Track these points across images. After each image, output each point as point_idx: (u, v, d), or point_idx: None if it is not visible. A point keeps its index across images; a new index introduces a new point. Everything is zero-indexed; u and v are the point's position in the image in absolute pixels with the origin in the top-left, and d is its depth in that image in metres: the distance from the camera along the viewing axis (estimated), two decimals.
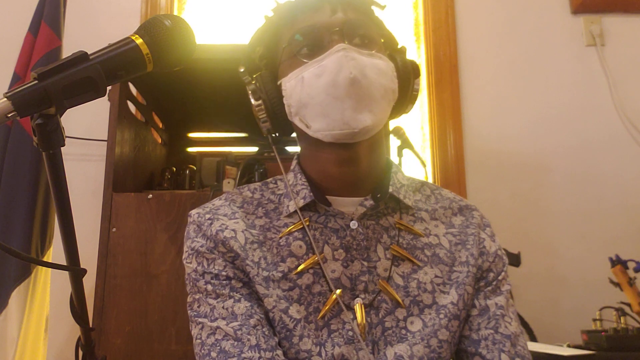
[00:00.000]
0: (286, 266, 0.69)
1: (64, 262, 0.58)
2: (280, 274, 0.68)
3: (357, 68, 0.65)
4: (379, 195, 0.73)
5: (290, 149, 1.39)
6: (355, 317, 0.67)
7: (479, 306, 0.72)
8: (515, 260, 1.48)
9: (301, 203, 0.71)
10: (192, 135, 1.71)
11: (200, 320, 0.67)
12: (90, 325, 0.66)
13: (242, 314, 0.65)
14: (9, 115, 0.44)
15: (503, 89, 1.96)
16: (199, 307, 0.68)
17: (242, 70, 0.77)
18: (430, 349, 0.67)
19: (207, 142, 1.70)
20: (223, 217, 0.71)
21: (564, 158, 1.90)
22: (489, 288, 0.73)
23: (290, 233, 0.71)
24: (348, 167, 0.71)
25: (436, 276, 0.71)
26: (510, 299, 0.74)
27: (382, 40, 0.76)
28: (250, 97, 0.74)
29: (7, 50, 1.68)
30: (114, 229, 1.14)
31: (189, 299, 0.70)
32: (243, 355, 0.63)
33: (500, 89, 1.96)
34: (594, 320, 1.44)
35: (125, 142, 1.26)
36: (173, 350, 1.09)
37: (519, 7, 2.03)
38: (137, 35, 0.52)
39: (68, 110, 0.48)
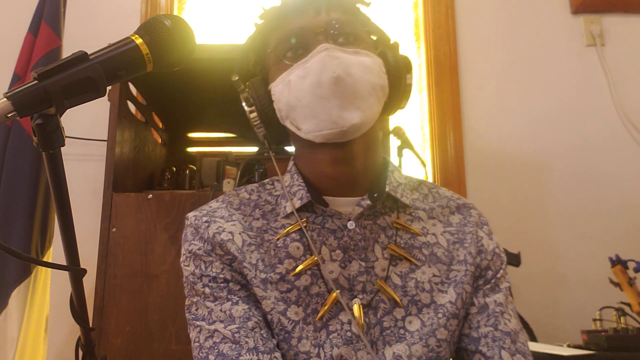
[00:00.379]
0: (284, 268, 0.69)
1: (64, 262, 0.58)
2: (278, 276, 0.68)
3: (341, 67, 0.66)
4: (375, 195, 0.72)
5: (290, 148, 1.39)
6: (353, 318, 0.67)
7: (478, 304, 0.72)
8: (515, 260, 1.48)
9: (298, 204, 0.71)
10: (192, 135, 1.71)
11: (198, 323, 0.67)
12: (90, 325, 0.66)
13: (240, 317, 0.65)
14: (9, 115, 0.44)
15: (503, 89, 1.96)
16: (196, 310, 0.68)
17: (236, 79, 0.78)
18: (429, 348, 0.67)
19: (207, 142, 1.70)
20: (220, 220, 0.71)
21: (564, 158, 1.90)
22: (488, 286, 0.73)
23: (287, 234, 0.71)
24: (343, 167, 0.71)
25: (434, 275, 0.71)
26: (509, 296, 0.74)
27: (371, 38, 0.76)
28: (244, 104, 0.75)
29: (7, 50, 1.68)
30: (114, 229, 1.14)
31: (186, 302, 0.70)
32: (241, 357, 0.62)
33: (500, 89, 1.96)
34: (594, 320, 1.44)
35: (125, 142, 1.26)
36: (173, 350, 1.09)
37: (519, 7, 2.03)
38: (137, 35, 0.52)
39: (68, 110, 0.48)
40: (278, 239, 0.71)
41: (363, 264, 0.69)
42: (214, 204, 0.75)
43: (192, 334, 0.68)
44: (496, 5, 2.03)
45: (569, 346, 1.40)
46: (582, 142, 1.92)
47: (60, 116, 0.48)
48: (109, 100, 1.22)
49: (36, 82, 0.46)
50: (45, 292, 1.42)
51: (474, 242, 0.74)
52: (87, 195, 1.71)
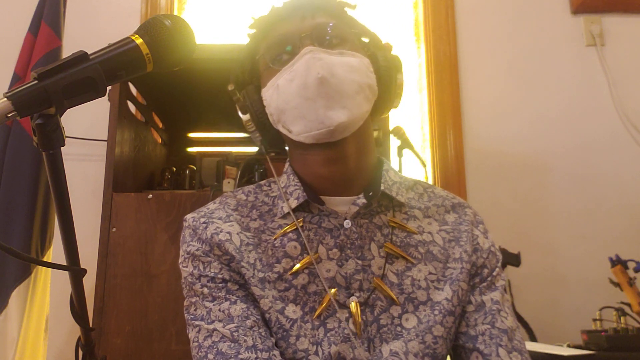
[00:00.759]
0: (281, 267, 0.70)
1: (64, 262, 0.58)
2: (275, 275, 0.69)
3: (325, 67, 0.67)
4: (371, 194, 0.73)
5: None
6: (350, 316, 0.68)
7: (475, 302, 0.72)
8: (515, 260, 1.48)
9: (295, 204, 0.72)
10: (192, 135, 1.71)
11: (197, 323, 0.68)
12: (90, 325, 0.66)
13: (238, 316, 0.66)
14: (9, 115, 0.44)
15: (503, 89, 1.96)
16: (195, 310, 0.69)
17: (231, 88, 0.80)
18: (425, 344, 0.67)
19: (207, 142, 1.70)
20: (218, 221, 0.72)
21: (564, 158, 1.90)
22: (484, 284, 0.74)
23: (284, 234, 0.72)
24: (335, 167, 0.72)
25: (430, 273, 0.72)
26: (506, 294, 0.75)
27: (360, 39, 0.78)
28: (239, 112, 0.77)
29: (7, 50, 1.68)
30: (114, 229, 1.15)
31: (185, 303, 0.71)
32: (240, 356, 0.63)
33: (500, 89, 1.96)
34: (594, 320, 1.44)
35: (125, 142, 1.26)
36: (173, 350, 1.09)
37: (518, 7, 2.03)
38: (137, 35, 0.52)
39: (68, 110, 0.48)
40: (275, 239, 0.72)
41: (359, 262, 0.70)
42: (211, 205, 0.76)
43: (191, 334, 0.68)
44: (496, 6, 2.03)
45: (569, 346, 1.40)
46: (582, 142, 1.92)
47: (60, 116, 0.48)
48: (109, 100, 1.22)
49: (36, 82, 0.46)
50: (45, 292, 1.42)
51: (470, 240, 0.75)
52: (87, 195, 1.71)
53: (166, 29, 0.53)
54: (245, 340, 0.64)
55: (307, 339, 0.67)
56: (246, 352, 0.63)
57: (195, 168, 1.43)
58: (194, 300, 0.69)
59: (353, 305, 0.68)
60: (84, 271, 0.59)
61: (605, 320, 1.42)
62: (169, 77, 1.29)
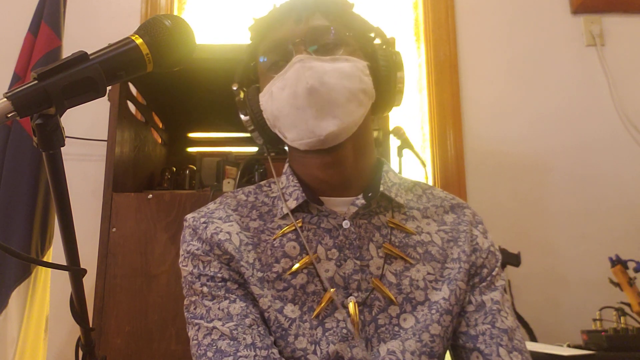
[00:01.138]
0: (280, 267, 0.70)
1: (64, 262, 0.58)
2: (274, 275, 0.70)
3: (314, 77, 0.67)
4: (370, 194, 0.74)
5: None
6: (349, 315, 0.68)
7: (475, 302, 0.73)
8: (515, 260, 1.48)
9: (294, 204, 0.73)
10: (192, 135, 1.71)
11: (196, 321, 0.68)
12: (90, 325, 0.66)
13: (237, 314, 0.67)
14: (9, 115, 0.44)
15: (503, 89, 1.96)
16: (195, 309, 0.69)
17: (235, 88, 0.80)
18: (422, 343, 0.68)
19: (207, 142, 1.71)
20: (218, 221, 0.73)
21: (564, 158, 1.90)
22: (484, 284, 0.74)
23: (284, 234, 0.72)
24: (333, 170, 0.73)
25: (428, 273, 0.72)
26: (505, 294, 0.75)
27: (358, 40, 0.76)
28: (240, 112, 0.77)
29: (7, 50, 1.68)
30: (114, 229, 1.15)
31: (185, 302, 0.72)
32: (239, 354, 0.64)
33: (500, 89, 1.96)
34: (594, 320, 1.44)
35: (125, 142, 1.26)
36: (173, 350, 1.09)
37: (519, 7, 2.03)
38: (137, 35, 0.52)
39: (68, 110, 0.48)
40: (274, 239, 0.72)
41: (358, 262, 0.70)
42: (211, 205, 0.77)
43: (191, 332, 0.69)
44: (496, 5, 2.03)
45: (569, 346, 1.40)
46: (582, 142, 1.92)
47: (60, 116, 0.48)
48: (109, 100, 1.22)
49: (36, 82, 0.46)
50: (45, 292, 1.42)
51: (468, 240, 0.75)
52: (87, 195, 1.71)
53: (166, 29, 0.53)
54: (244, 339, 0.65)
55: (306, 338, 0.67)
56: (245, 350, 0.64)
57: (195, 168, 1.43)
58: (193, 299, 0.70)
59: (351, 305, 0.68)
60: (84, 271, 0.59)
61: (605, 320, 1.42)
62: (169, 77, 1.29)
